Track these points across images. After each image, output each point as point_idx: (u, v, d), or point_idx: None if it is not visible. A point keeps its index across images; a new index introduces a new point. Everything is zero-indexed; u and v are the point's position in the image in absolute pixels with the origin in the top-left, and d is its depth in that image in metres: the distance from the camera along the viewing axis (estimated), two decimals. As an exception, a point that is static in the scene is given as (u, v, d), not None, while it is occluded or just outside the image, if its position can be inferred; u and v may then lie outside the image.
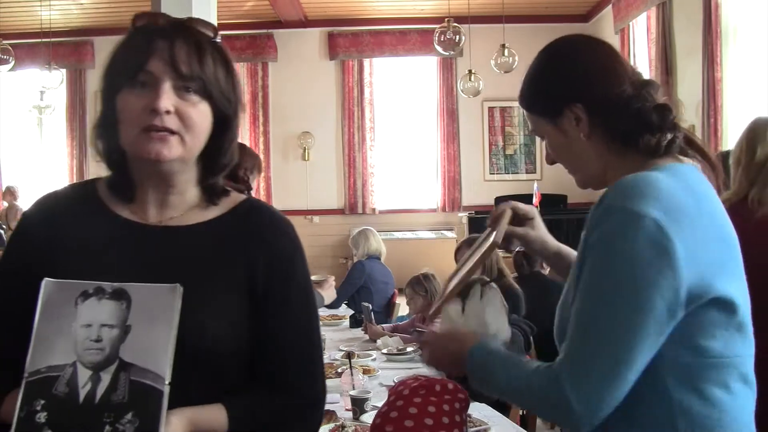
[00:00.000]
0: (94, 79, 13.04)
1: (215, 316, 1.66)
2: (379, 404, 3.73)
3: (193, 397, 1.54)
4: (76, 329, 1.48)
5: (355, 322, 6.30)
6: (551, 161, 1.98)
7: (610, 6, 10.88)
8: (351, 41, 12.77)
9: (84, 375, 1.45)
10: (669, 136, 1.78)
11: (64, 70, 12.67)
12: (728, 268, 1.69)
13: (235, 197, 1.87)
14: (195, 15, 1.76)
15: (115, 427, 1.42)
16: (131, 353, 1.46)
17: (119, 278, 1.54)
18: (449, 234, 11.51)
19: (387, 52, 12.78)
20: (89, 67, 13.13)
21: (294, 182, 12.62)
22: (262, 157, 12.21)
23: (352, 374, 3.97)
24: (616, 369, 1.61)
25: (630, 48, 10.15)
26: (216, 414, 1.65)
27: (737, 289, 1.70)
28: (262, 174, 12.44)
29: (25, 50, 11.93)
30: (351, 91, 12.76)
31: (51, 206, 1.82)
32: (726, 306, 1.66)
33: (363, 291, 7.47)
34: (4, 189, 12.34)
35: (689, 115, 8.24)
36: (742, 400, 1.71)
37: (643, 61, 9.78)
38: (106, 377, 1.45)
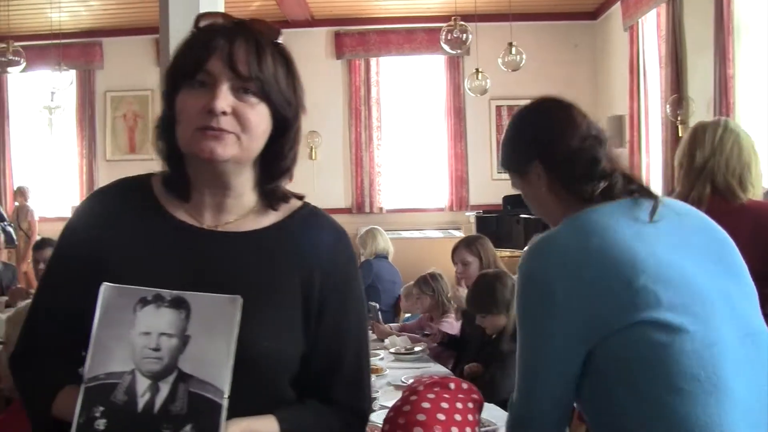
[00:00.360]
0: (103, 80, 13.14)
1: (270, 327, 1.64)
2: (388, 404, 3.72)
3: (242, 407, 1.52)
4: (134, 336, 1.47)
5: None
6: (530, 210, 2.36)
7: (619, 3, 10.80)
8: (357, 40, 12.75)
9: (143, 384, 1.45)
10: (602, 184, 2.08)
11: (73, 71, 12.71)
12: (642, 296, 1.86)
13: (293, 203, 1.86)
14: (202, 15, 1.74)
15: None
16: (190, 364, 1.45)
17: (173, 283, 1.53)
18: (457, 233, 11.46)
19: (394, 51, 12.75)
20: (98, 67, 13.13)
21: (301, 181, 12.29)
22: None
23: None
24: (529, 389, 2.00)
25: (639, 45, 10.05)
26: (269, 426, 1.63)
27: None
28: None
29: (36, 52, 11.92)
30: (358, 90, 12.74)
31: (105, 202, 1.81)
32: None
33: (370, 290, 7.47)
34: (15, 189, 12.34)
35: (700, 112, 8.20)
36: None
37: (653, 58, 9.68)
38: (164, 387, 1.44)
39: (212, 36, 1.65)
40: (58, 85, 11.83)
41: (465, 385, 1.89)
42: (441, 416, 1.80)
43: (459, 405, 1.84)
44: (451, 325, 5.82)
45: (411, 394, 1.86)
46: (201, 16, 1.72)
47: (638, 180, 2.13)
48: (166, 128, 1.72)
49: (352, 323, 1.81)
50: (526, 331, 1.99)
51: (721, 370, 1.81)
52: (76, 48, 12.91)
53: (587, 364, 1.92)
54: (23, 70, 10.33)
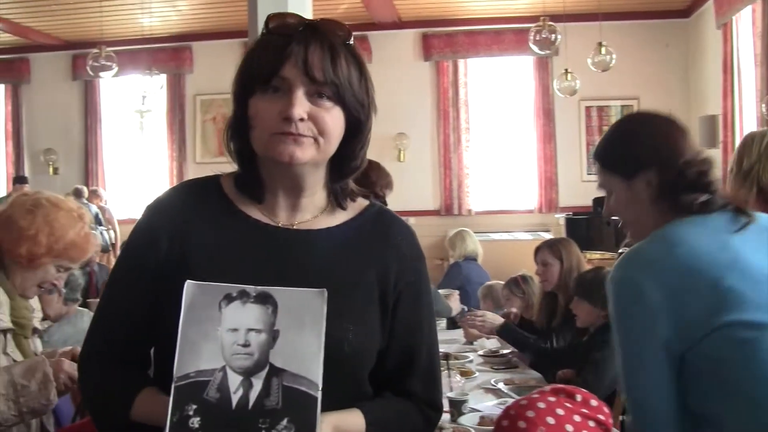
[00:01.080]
0: (192, 83, 13.38)
1: (351, 322, 1.66)
2: (478, 407, 3.71)
3: (325, 403, 1.51)
4: (222, 333, 1.48)
5: (452, 323, 6.27)
6: (609, 214, 2.37)
7: (711, 0, 10.59)
8: (445, 42, 12.73)
9: (235, 380, 1.46)
10: (704, 197, 2.17)
11: (164, 75, 12.95)
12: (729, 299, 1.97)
13: (361, 202, 1.87)
14: (290, 18, 1.75)
15: None
16: (282, 359, 1.47)
17: (254, 281, 1.53)
18: (546, 235, 11.35)
19: (482, 52, 12.71)
20: (188, 71, 13.40)
21: (390, 184, 12.60)
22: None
23: (449, 376, 3.95)
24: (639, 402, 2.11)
25: (733, 44, 9.81)
26: (356, 419, 1.66)
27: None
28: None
29: (127, 56, 12.22)
30: (446, 91, 12.72)
31: (176, 202, 1.82)
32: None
33: (460, 292, 7.43)
34: (88, 192, 12.51)
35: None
36: None
37: (747, 56, 9.45)
38: (257, 383, 1.46)
39: (286, 41, 1.65)
40: (148, 89, 12.10)
41: (594, 402, 1.84)
42: (551, 420, 1.76)
43: (577, 418, 1.78)
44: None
45: (535, 393, 1.84)
46: (271, 17, 1.71)
47: (736, 200, 2.27)
48: (238, 130, 1.73)
49: (424, 318, 1.84)
50: (623, 340, 2.11)
51: None
52: (167, 52, 13.23)
53: (681, 369, 2.02)
54: (115, 75, 10.56)
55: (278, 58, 1.64)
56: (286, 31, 1.67)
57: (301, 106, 1.61)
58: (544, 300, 5.40)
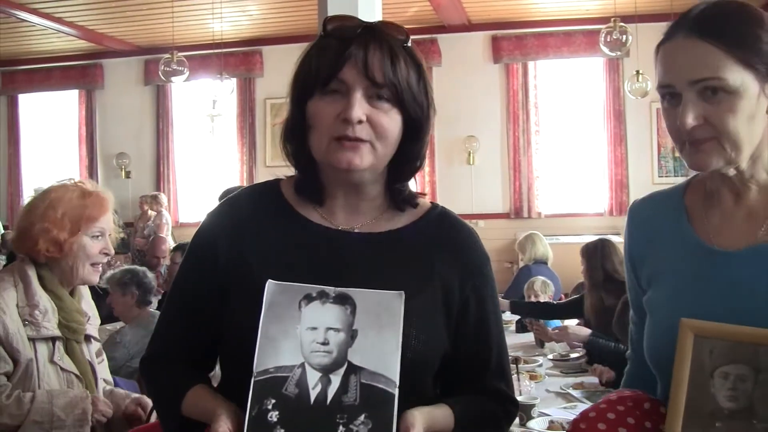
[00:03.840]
0: (263, 87, 13.50)
1: (414, 327, 1.66)
2: (547, 411, 3.69)
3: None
4: (301, 331, 1.52)
5: (521, 327, 6.25)
6: (697, 120, 1.62)
7: (787, -1, 10.36)
8: (515, 44, 12.66)
9: (313, 376, 1.50)
10: None
11: (234, 79, 13.13)
12: None
13: (423, 204, 1.87)
14: (359, 23, 1.75)
15: (348, 428, 1.46)
16: (360, 357, 1.50)
17: (319, 283, 1.57)
18: (616, 238, 11.18)
19: (552, 54, 12.61)
20: (258, 75, 13.53)
21: (459, 186, 12.62)
22: (427, 161, 12.25)
23: (519, 380, 3.94)
24: None
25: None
26: (445, 412, 1.69)
27: None
28: (428, 179, 12.52)
29: (198, 61, 12.41)
30: (516, 94, 12.65)
31: (237, 207, 1.85)
32: None
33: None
34: (149, 198, 12.66)
35: None
36: None
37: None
38: (335, 379, 1.49)
39: (345, 44, 1.66)
40: (219, 93, 12.26)
41: (663, 409, 1.81)
42: (622, 430, 1.73)
43: (648, 424, 1.75)
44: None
45: (603, 402, 1.81)
46: (329, 20, 1.72)
47: None
48: (296, 133, 1.75)
49: (492, 321, 1.84)
50: None
51: None
52: (237, 57, 13.37)
53: None
54: (186, 80, 10.71)
55: (337, 60, 1.65)
56: (345, 34, 1.68)
57: (360, 108, 1.63)
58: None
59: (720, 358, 1.54)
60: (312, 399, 1.47)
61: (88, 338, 3.09)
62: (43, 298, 2.88)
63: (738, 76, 1.59)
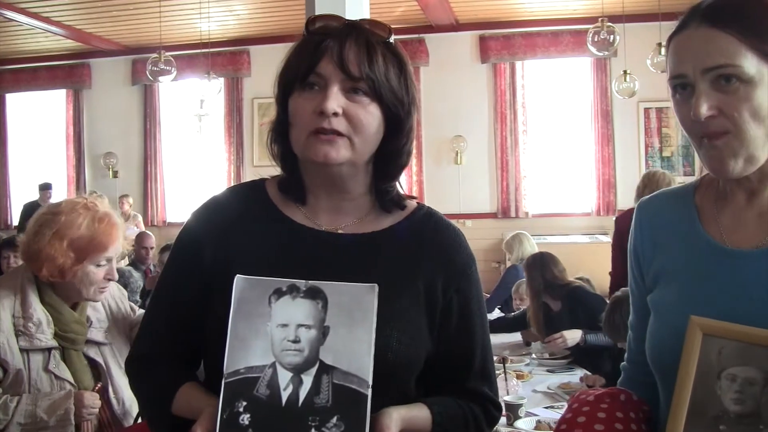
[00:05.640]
0: (250, 87, 13.52)
1: (396, 329, 1.64)
2: (534, 410, 3.70)
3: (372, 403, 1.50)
4: (272, 329, 1.48)
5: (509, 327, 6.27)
6: (711, 110, 1.54)
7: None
8: (502, 44, 12.68)
9: (284, 377, 1.46)
10: None
11: (222, 79, 13.11)
12: None
13: (409, 204, 1.85)
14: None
15: (321, 430, 1.42)
16: (332, 356, 1.46)
17: None
18: (604, 238, 11.25)
19: (539, 54, 12.64)
20: (245, 75, 13.54)
21: (446, 186, 12.63)
22: (414, 161, 12.27)
23: (506, 379, 3.94)
24: None
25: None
26: (422, 411, 1.66)
27: None
28: (415, 178, 12.53)
29: (186, 61, 12.42)
30: (503, 94, 12.67)
31: (222, 207, 1.83)
32: None
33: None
34: (133, 215, 12.59)
35: None
36: None
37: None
38: (307, 380, 1.45)
39: (322, 39, 1.66)
40: (207, 92, 12.26)
41: (635, 397, 1.82)
42: (619, 426, 1.72)
43: (632, 414, 1.76)
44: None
45: (582, 405, 1.81)
46: (311, 20, 1.72)
47: None
48: (281, 132, 1.75)
49: (476, 322, 1.82)
50: None
51: None
52: (224, 56, 13.39)
53: None
54: (174, 79, 10.66)
55: (314, 55, 1.65)
56: (326, 31, 1.69)
57: (335, 101, 1.61)
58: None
59: (729, 359, 1.50)
60: (284, 401, 1.44)
61: (94, 344, 3.06)
62: (38, 310, 2.87)
63: (753, 63, 1.52)
